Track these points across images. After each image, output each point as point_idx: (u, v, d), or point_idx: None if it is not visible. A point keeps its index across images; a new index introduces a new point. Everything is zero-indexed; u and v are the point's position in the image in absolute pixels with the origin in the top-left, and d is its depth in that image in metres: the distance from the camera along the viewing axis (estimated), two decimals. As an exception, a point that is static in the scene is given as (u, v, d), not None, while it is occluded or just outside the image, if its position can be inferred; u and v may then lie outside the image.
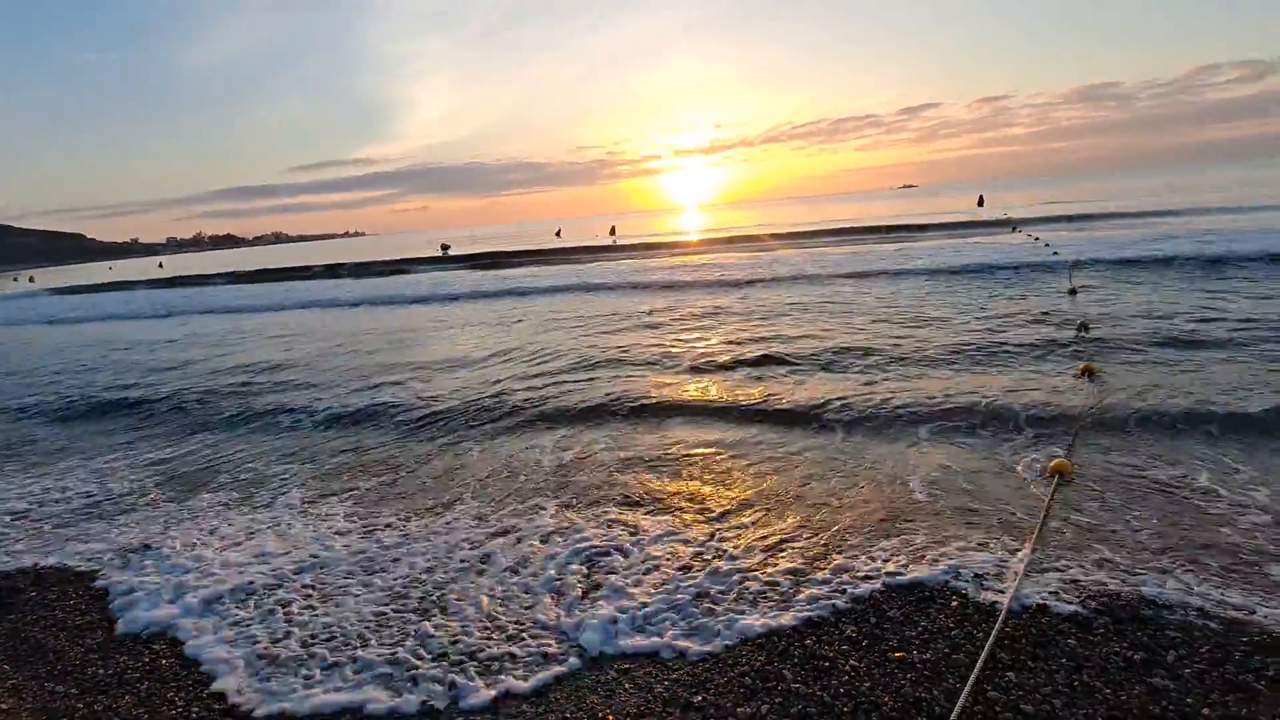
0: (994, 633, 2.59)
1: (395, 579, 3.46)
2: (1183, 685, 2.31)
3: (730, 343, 8.43)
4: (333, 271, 30.40)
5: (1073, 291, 10.04)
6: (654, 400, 6.21)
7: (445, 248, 41.69)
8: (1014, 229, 18.47)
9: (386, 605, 3.23)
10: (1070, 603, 2.80)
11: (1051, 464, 4.10)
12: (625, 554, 3.51)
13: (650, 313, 11.46)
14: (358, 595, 3.33)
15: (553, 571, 3.39)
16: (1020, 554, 3.18)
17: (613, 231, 41.70)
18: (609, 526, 3.84)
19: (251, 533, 4.14)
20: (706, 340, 8.72)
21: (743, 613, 2.94)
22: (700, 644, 2.77)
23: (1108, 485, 3.90)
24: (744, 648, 2.72)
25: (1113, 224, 21.05)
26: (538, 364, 8.12)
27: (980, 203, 39.55)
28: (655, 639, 2.82)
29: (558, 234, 48.84)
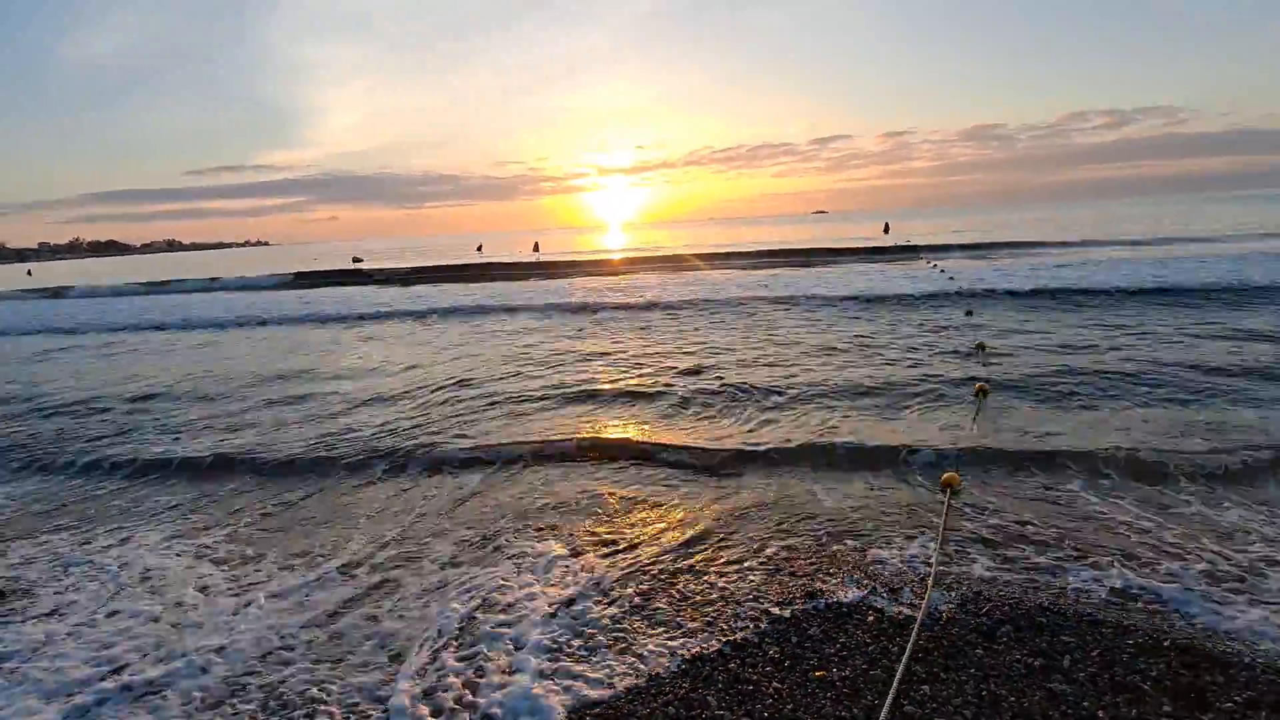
0: (909, 648, 2.65)
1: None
2: (1079, 689, 2.44)
3: (638, 374, 7.92)
4: (220, 284, 28.07)
5: (969, 313, 10.78)
6: (534, 439, 5.64)
7: (357, 260, 39.94)
8: (928, 261, 19.63)
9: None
10: (975, 614, 2.92)
11: (943, 477, 4.30)
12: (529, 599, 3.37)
13: (556, 339, 10.97)
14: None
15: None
16: (929, 566, 3.30)
17: (536, 248, 41.30)
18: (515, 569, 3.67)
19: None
20: (610, 373, 8.09)
21: (666, 640, 2.88)
22: (622, 676, 2.67)
23: (1000, 496, 4.14)
24: (667, 676, 2.65)
25: (1002, 253, 22.96)
26: (435, 397, 7.47)
27: (886, 230, 42.09)
28: (571, 682, 2.68)
29: (479, 249, 47.89)
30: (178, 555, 3.97)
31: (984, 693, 2.45)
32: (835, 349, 8.74)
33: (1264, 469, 4.32)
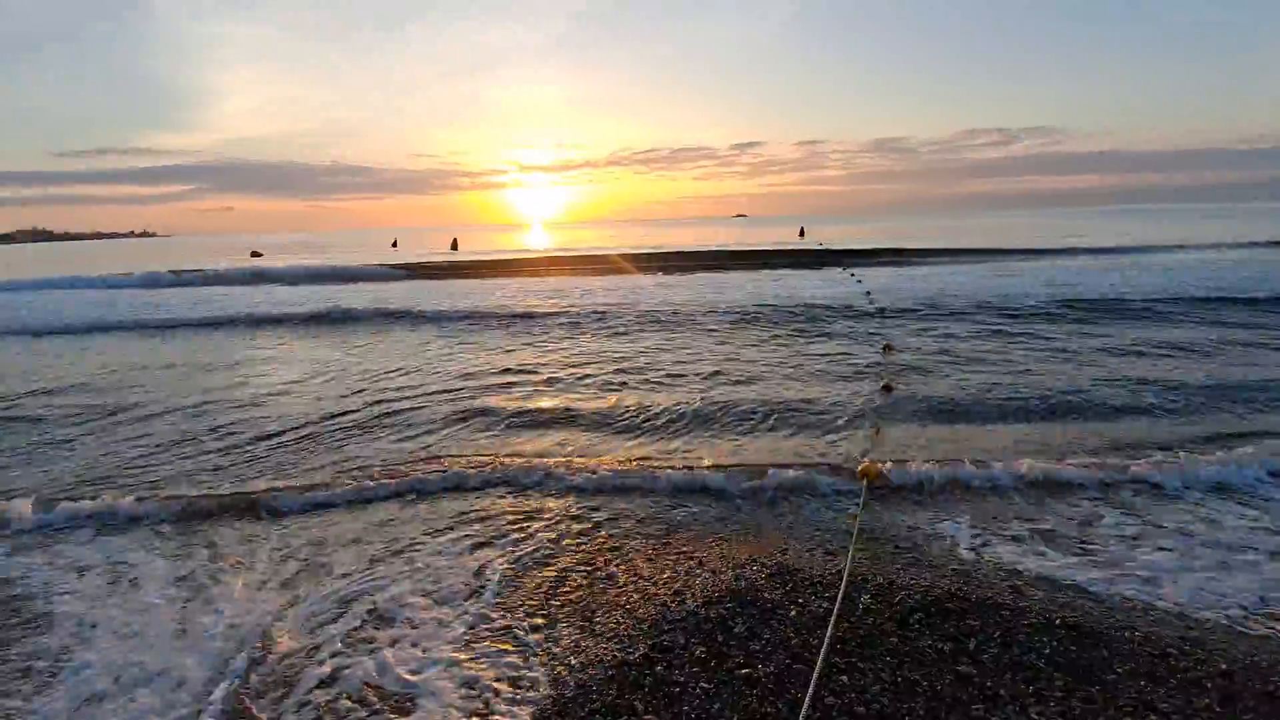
0: (827, 639, 2.71)
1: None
2: (984, 670, 2.58)
3: (549, 391, 7.21)
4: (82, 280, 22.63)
5: (881, 311, 11.36)
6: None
7: (256, 255, 37.42)
8: (846, 271, 20.34)
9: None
10: (890, 603, 3.03)
11: (860, 468, 4.49)
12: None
13: (463, 348, 10.17)
14: None
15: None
16: (845, 558, 3.41)
17: (455, 245, 40.01)
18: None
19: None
20: (522, 388, 7.34)
21: (593, 647, 2.82)
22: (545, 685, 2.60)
23: (906, 484, 4.37)
24: (594, 683, 2.59)
25: (908, 258, 24.38)
26: (303, 417, 6.43)
27: (801, 234, 43.76)
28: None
29: (394, 245, 45.97)
30: None
31: (899, 679, 2.55)
32: (765, 341, 8.97)
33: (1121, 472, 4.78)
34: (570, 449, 5.38)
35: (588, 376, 7.69)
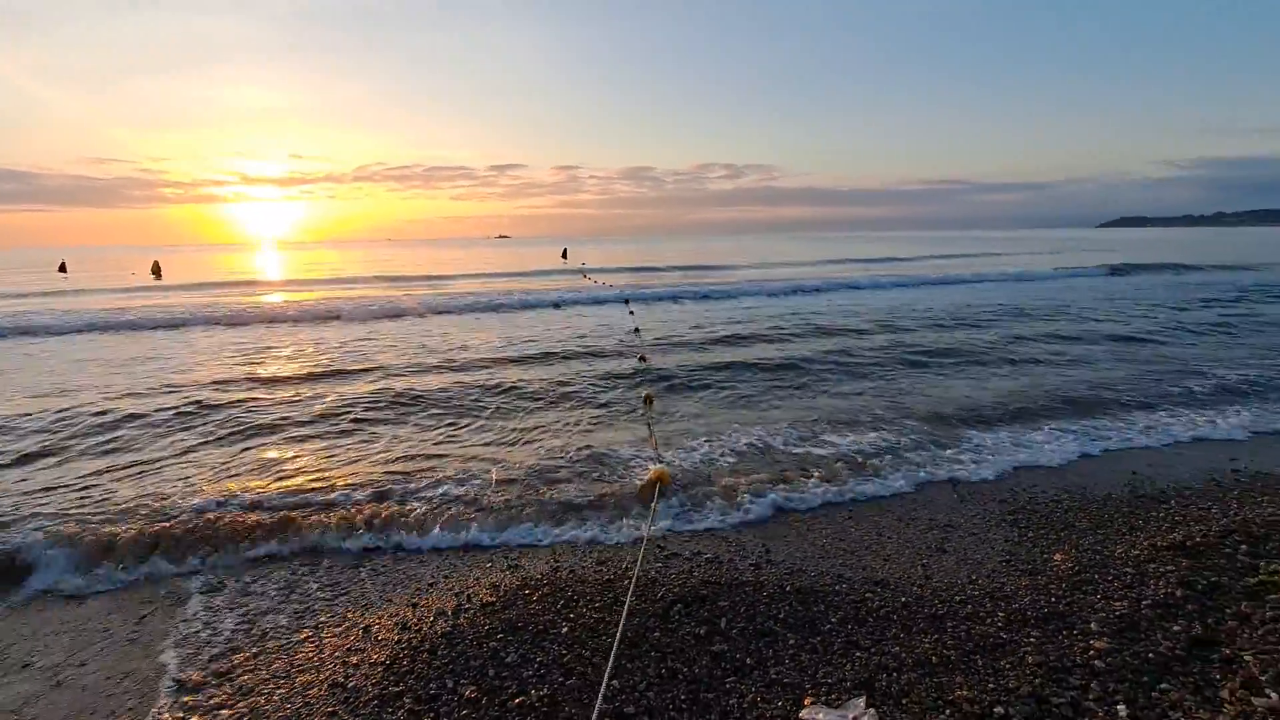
0: (613, 656, 2.78)
1: None
2: (733, 644, 2.86)
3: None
4: None
5: (636, 331, 12.15)
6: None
7: None
8: (621, 301, 21.05)
9: None
10: (653, 600, 3.22)
11: (650, 475, 4.72)
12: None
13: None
14: None
15: None
16: (631, 563, 3.54)
17: (156, 270, 32.88)
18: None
19: None
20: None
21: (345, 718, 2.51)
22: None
23: (677, 488, 4.72)
24: (348, 757, 2.30)
25: (660, 275, 26.61)
26: None
27: (564, 255, 45.09)
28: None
29: (61, 269, 36.48)
30: None
31: (663, 670, 2.70)
32: (532, 354, 8.97)
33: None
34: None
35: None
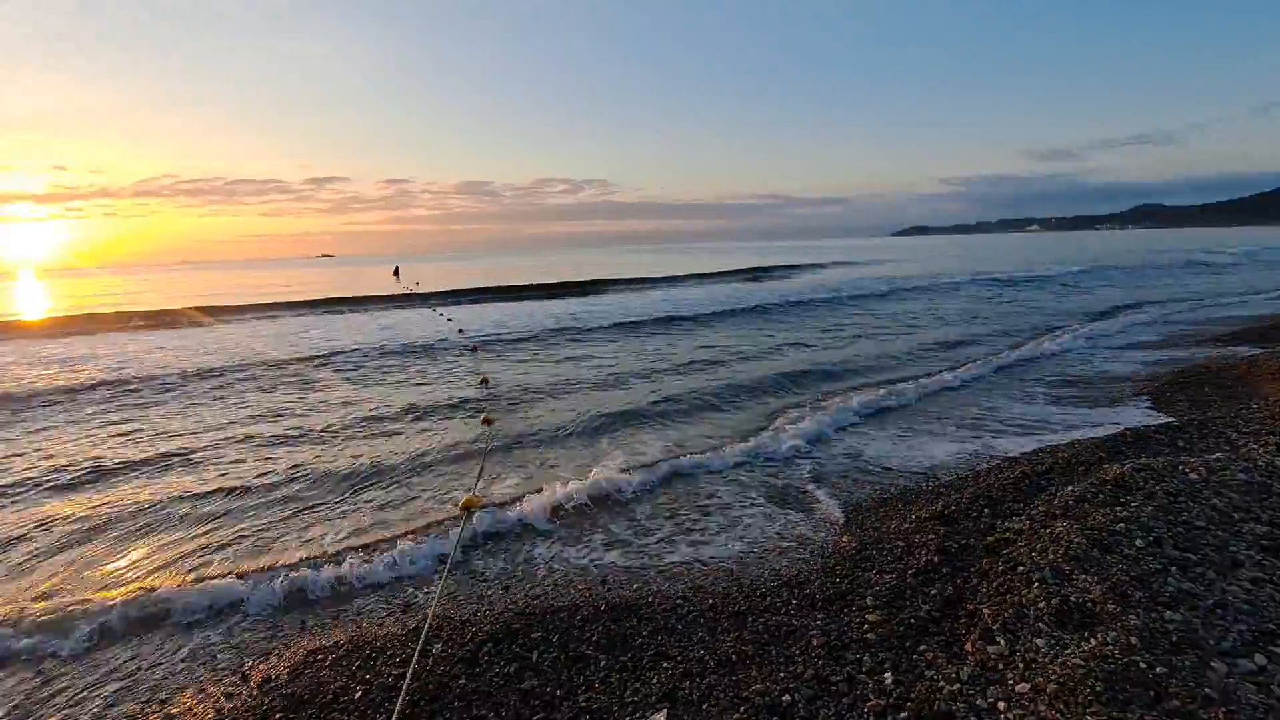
0: (401, 697, 2.54)
1: None
2: (544, 677, 2.77)
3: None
4: None
5: (474, 349, 11.71)
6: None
7: None
8: (440, 315, 20.01)
9: None
10: (460, 644, 3.03)
11: (462, 500, 4.50)
12: None
13: None
14: None
15: None
16: (429, 604, 3.30)
17: None
18: None
19: None
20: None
21: None
22: None
23: (505, 520, 4.54)
24: None
25: (500, 296, 25.92)
26: None
27: (396, 273, 42.43)
28: None
29: None
30: None
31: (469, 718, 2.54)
32: (371, 394, 8.21)
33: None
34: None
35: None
